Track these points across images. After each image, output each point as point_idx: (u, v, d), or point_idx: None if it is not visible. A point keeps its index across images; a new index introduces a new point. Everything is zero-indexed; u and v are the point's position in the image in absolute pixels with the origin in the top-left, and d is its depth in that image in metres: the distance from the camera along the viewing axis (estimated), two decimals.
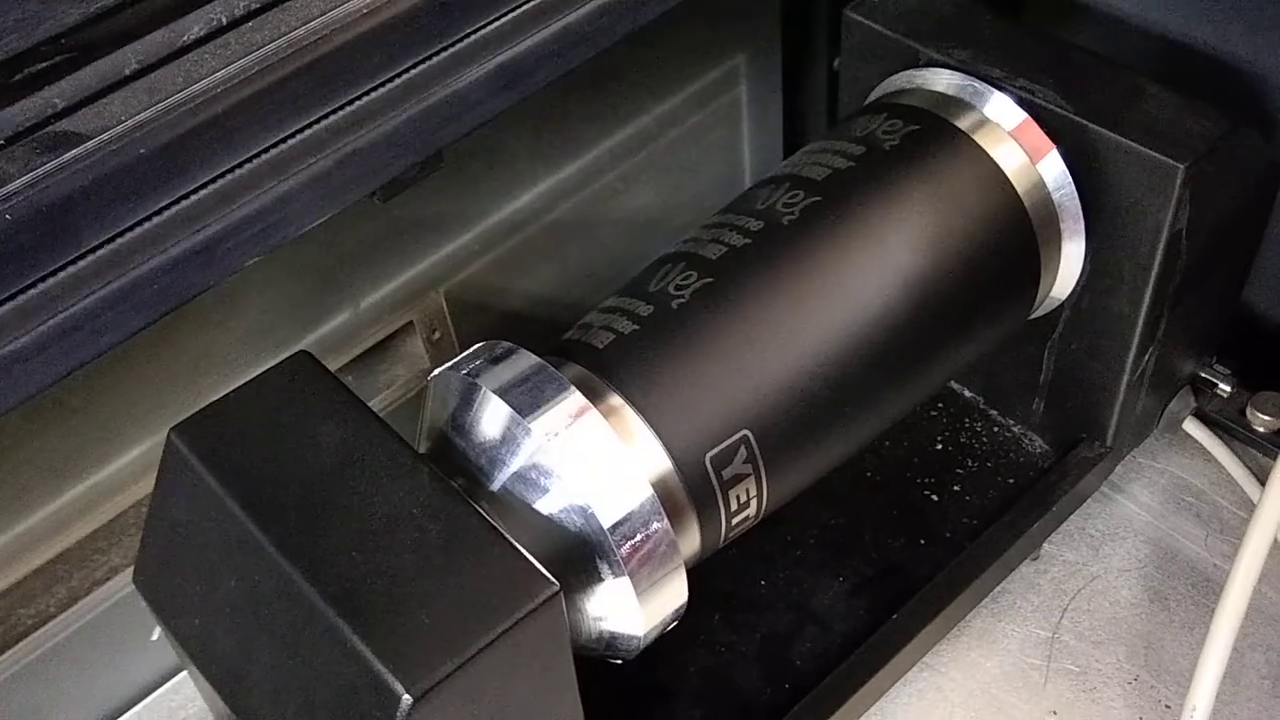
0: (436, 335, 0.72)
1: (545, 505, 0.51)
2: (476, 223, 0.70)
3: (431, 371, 0.55)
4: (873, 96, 0.68)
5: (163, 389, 0.63)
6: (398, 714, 0.42)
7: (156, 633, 0.63)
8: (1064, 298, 0.67)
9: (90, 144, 0.42)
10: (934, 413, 0.76)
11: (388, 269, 0.68)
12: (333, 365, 0.68)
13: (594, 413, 0.52)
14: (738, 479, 0.56)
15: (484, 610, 0.44)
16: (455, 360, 0.54)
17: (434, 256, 0.69)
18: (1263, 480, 0.73)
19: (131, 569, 0.54)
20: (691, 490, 0.54)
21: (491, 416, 0.52)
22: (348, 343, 0.69)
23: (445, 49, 0.48)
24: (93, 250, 0.43)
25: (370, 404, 0.70)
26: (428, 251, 0.68)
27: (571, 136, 0.72)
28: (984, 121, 0.63)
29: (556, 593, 0.45)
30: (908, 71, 0.66)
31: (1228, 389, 0.75)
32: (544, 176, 0.72)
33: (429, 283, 0.69)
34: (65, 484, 0.62)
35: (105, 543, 0.65)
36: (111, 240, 0.44)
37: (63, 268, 0.43)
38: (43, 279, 0.43)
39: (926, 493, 0.73)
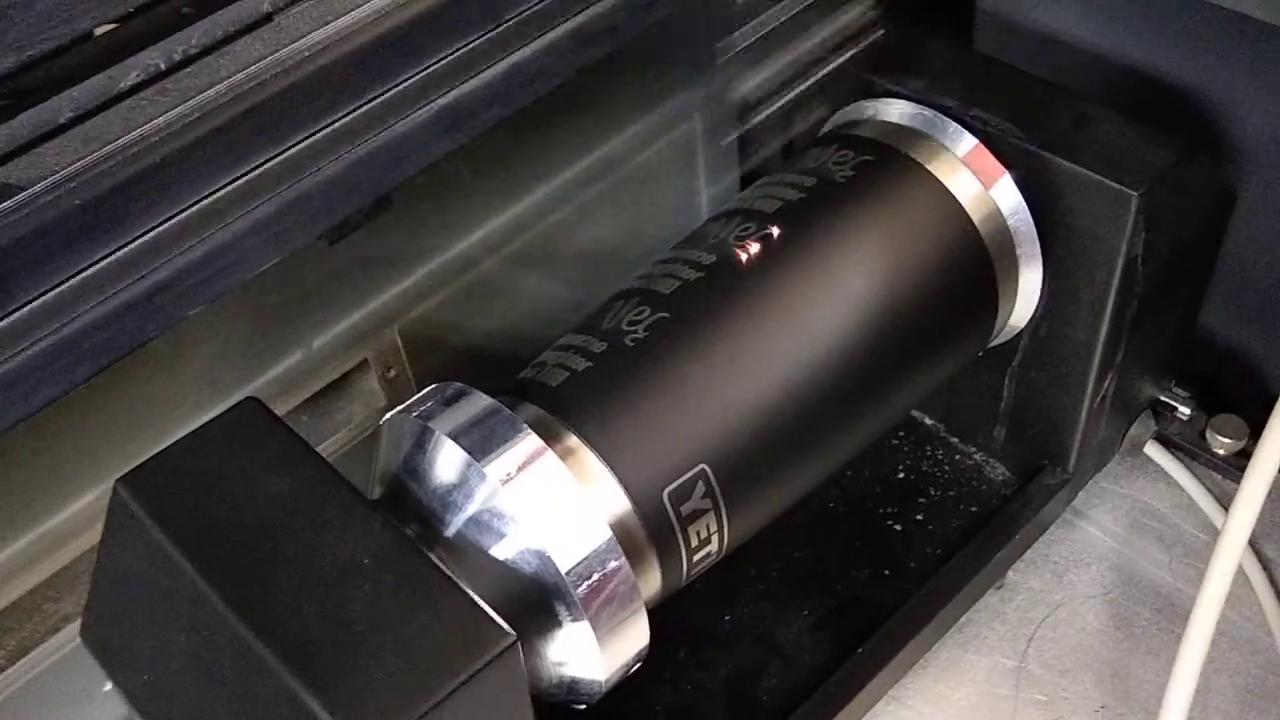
0: (392, 373, 0.71)
1: (501, 550, 0.50)
2: (429, 259, 0.69)
3: (387, 410, 0.54)
4: (827, 127, 0.68)
5: (112, 433, 0.61)
6: None
7: (110, 684, 0.62)
8: (1023, 325, 0.67)
9: (24, 195, 0.41)
10: (895, 441, 0.76)
11: (340, 307, 0.67)
12: (287, 405, 0.67)
13: (549, 454, 0.51)
14: (697, 514, 0.55)
15: (439, 664, 0.43)
16: (407, 403, 0.54)
17: (387, 294, 0.68)
18: (1224, 503, 0.73)
19: None
20: (650, 528, 0.54)
21: (445, 461, 0.51)
22: (301, 383, 0.67)
23: (387, 92, 0.48)
24: (30, 303, 0.42)
25: (326, 444, 0.69)
26: (380, 289, 0.67)
27: (525, 171, 0.72)
28: (937, 151, 0.63)
29: (513, 643, 0.44)
30: (860, 102, 0.66)
31: (1187, 412, 0.75)
32: (498, 211, 0.71)
33: (383, 320, 0.68)
34: (12, 534, 0.61)
35: (56, 591, 0.64)
36: (49, 292, 0.43)
37: None
38: None
39: (890, 523, 0.72)
